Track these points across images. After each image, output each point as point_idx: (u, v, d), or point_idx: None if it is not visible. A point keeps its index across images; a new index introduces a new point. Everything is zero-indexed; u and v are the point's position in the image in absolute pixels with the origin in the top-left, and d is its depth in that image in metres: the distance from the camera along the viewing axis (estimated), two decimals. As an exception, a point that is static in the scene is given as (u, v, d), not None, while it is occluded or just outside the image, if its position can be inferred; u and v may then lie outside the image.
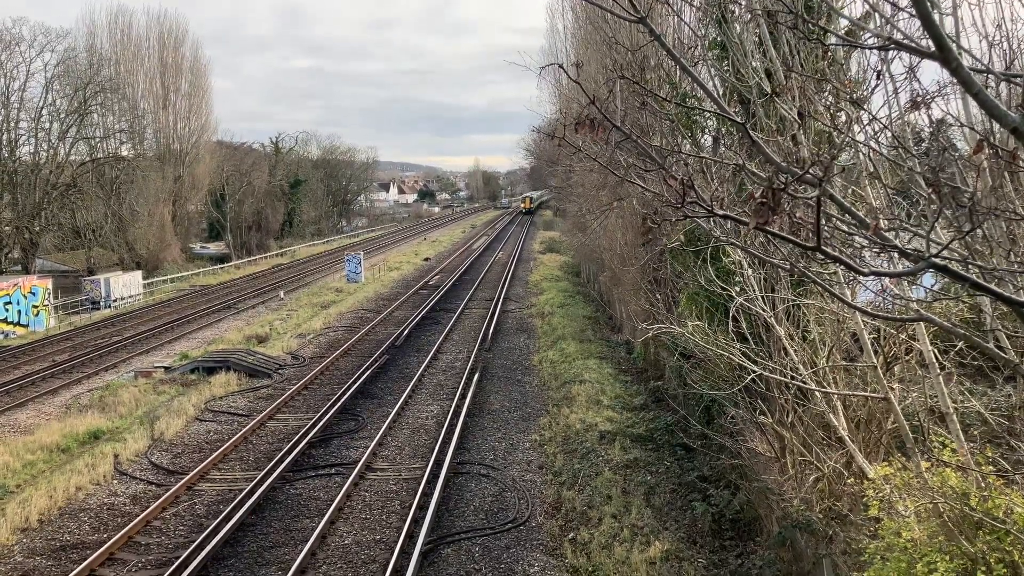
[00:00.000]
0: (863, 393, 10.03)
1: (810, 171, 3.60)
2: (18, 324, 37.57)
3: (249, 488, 16.37)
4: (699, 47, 9.09)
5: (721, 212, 3.60)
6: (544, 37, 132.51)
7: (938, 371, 8.13)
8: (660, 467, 16.96)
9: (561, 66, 4.21)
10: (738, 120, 3.96)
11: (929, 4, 3.36)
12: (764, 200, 3.08)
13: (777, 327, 10.73)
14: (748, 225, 3.38)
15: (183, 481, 16.89)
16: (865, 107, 5.98)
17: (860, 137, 6.61)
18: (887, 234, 4.35)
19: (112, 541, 13.98)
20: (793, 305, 11.08)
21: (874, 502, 7.87)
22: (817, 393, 10.32)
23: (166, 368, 28.32)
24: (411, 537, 14.14)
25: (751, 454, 13.04)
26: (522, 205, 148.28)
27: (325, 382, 26.26)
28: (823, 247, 3.28)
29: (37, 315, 38.83)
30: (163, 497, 16.02)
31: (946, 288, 6.82)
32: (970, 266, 4.14)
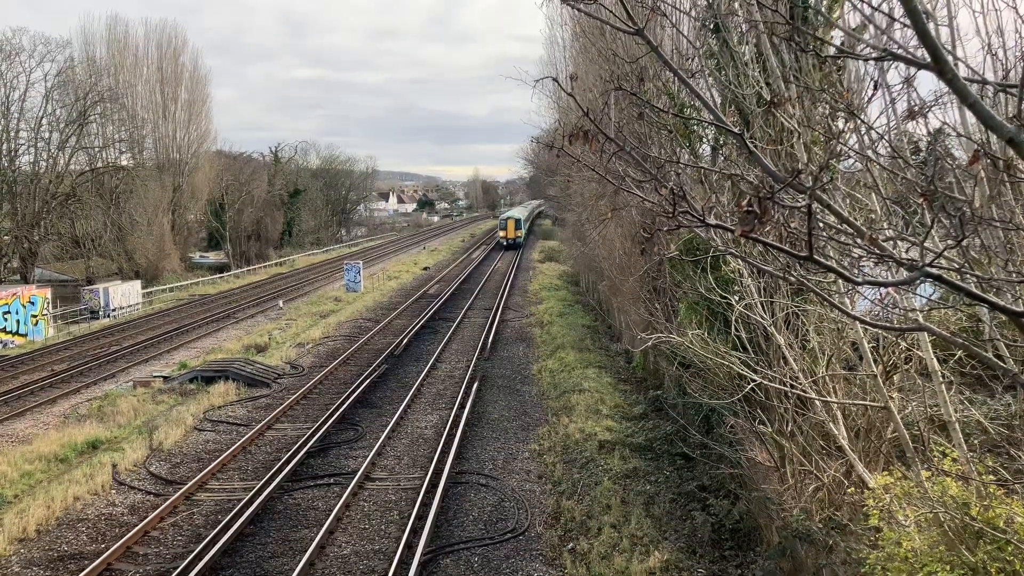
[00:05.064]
0: (863, 402, 10.01)
1: (799, 178, 3.61)
2: (17, 333, 37.52)
3: (248, 498, 16.32)
4: (696, 58, 9.12)
5: (712, 222, 3.60)
6: (543, 47, 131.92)
7: (940, 380, 8.11)
8: (659, 477, 16.91)
9: (555, 79, 4.22)
10: (735, 131, 3.97)
11: (925, 16, 3.38)
12: (750, 209, 3.09)
13: (777, 336, 10.71)
14: (735, 233, 3.39)
15: (181, 491, 16.84)
16: (862, 117, 5.99)
17: (857, 146, 6.62)
18: (885, 243, 4.35)
19: (110, 551, 13.93)
20: (792, 314, 11.07)
21: (874, 512, 7.84)
22: (817, 402, 10.30)
23: (165, 378, 28.27)
24: (410, 547, 14.09)
25: (751, 463, 13.01)
26: (501, 233, 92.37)
27: (324, 391, 26.21)
28: (815, 256, 3.28)
29: (36, 324, 38.79)
30: (161, 507, 15.97)
31: (945, 297, 6.82)
32: (967, 276, 4.15)
